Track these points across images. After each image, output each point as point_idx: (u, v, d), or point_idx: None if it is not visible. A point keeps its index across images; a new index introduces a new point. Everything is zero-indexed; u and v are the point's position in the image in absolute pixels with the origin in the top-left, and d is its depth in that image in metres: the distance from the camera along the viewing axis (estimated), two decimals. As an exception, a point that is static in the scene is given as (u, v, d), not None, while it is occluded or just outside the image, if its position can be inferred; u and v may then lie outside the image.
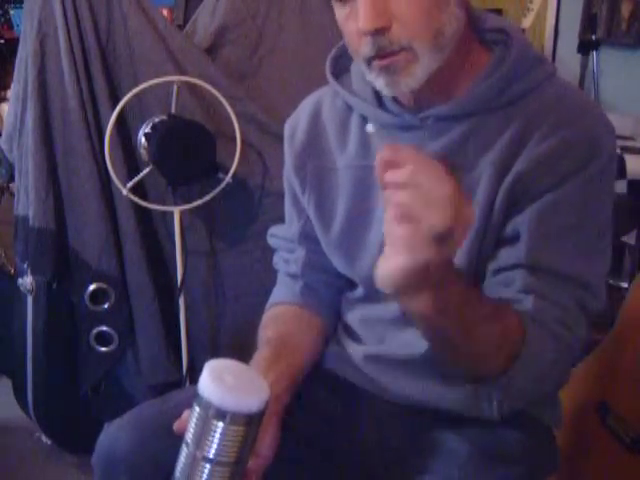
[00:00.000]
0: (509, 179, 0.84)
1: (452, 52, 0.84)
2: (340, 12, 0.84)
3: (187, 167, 1.50)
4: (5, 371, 1.95)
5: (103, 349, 1.63)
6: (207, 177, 1.55)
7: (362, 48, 0.82)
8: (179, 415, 0.80)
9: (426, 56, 0.81)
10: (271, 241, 1.13)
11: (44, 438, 1.77)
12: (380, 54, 0.81)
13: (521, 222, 0.84)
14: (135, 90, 1.46)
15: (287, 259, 1.08)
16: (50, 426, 1.74)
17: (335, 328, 1.08)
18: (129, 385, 1.70)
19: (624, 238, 2.58)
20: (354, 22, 0.81)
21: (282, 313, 1.06)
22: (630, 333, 1.30)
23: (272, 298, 1.10)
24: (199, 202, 1.56)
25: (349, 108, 0.97)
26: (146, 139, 1.54)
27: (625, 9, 2.59)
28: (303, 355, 0.99)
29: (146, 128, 1.55)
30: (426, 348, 0.89)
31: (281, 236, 1.10)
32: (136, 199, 1.52)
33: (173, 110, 1.51)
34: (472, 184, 0.86)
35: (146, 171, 1.52)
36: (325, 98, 1.02)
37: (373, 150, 0.86)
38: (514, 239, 0.85)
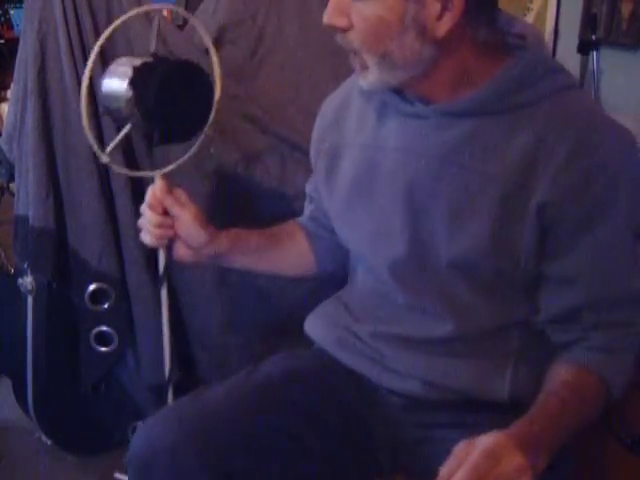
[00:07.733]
0: (534, 202, 0.85)
1: (436, 63, 0.87)
2: None
3: (180, 116, 1.22)
4: (5, 371, 1.95)
5: (103, 349, 1.63)
6: (201, 130, 1.26)
7: None
8: (219, 415, 0.91)
9: (375, 68, 0.87)
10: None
11: (44, 438, 1.77)
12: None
13: (572, 265, 0.88)
14: (117, 22, 1.16)
15: (306, 207, 1.23)
16: (50, 426, 1.74)
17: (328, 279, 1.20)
18: (129, 385, 1.70)
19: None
20: None
21: (291, 225, 1.22)
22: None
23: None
24: (179, 162, 1.25)
25: (374, 93, 1.02)
26: (129, 87, 1.17)
27: (625, 9, 2.59)
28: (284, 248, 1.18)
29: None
30: (445, 332, 0.95)
31: (307, 187, 1.22)
32: (115, 166, 1.26)
33: (153, 48, 1.26)
34: (474, 186, 0.88)
35: (128, 127, 1.20)
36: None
37: (383, 133, 0.96)
38: (567, 282, 0.89)
